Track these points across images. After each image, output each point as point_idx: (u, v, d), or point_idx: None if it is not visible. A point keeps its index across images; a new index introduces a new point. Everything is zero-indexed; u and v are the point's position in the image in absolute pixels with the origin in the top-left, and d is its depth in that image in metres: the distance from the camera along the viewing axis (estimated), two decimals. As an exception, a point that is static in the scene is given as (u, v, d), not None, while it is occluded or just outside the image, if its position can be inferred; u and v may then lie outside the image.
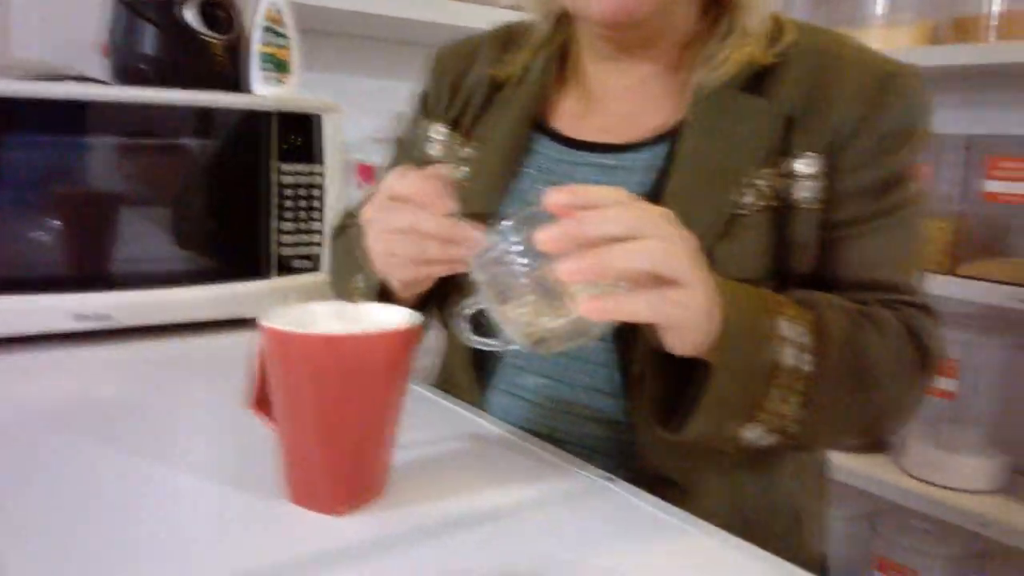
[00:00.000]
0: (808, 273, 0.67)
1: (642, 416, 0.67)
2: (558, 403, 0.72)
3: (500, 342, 0.58)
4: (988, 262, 1.39)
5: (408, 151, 0.86)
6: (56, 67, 1.02)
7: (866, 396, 0.63)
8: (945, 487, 1.41)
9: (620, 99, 0.75)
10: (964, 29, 1.42)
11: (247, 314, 0.99)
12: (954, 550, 1.45)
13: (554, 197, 0.50)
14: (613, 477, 0.64)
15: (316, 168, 1.04)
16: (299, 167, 1.02)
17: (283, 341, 0.55)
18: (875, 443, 1.56)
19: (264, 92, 1.05)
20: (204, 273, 1.00)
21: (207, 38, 1.03)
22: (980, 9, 1.40)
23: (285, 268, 1.03)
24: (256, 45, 1.05)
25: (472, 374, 0.77)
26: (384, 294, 0.68)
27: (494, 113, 0.79)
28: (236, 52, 1.06)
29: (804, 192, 0.66)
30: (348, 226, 0.86)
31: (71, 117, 0.92)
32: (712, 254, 0.63)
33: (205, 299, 1.00)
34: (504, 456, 0.68)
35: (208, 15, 1.03)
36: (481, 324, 0.59)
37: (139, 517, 0.56)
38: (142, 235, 0.98)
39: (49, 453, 0.64)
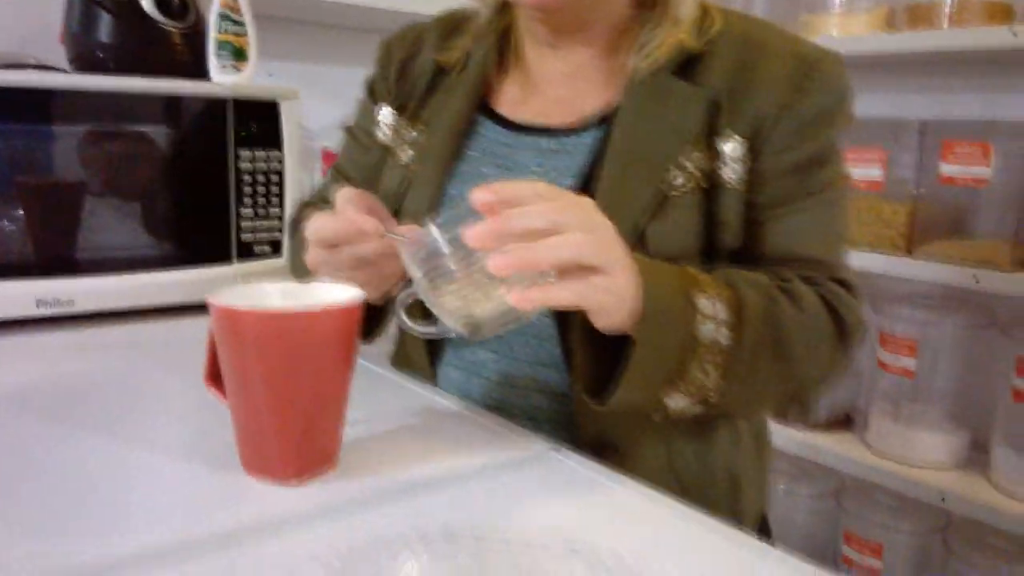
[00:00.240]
0: (736, 249, 0.70)
1: (578, 387, 0.69)
2: (506, 376, 0.75)
3: (437, 329, 0.60)
4: (945, 243, 1.42)
5: (358, 137, 0.87)
6: (15, 55, 1.02)
7: (783, 367, 0.66)
8: (907, 463, 1.44)
9: (558, 84, 0.78)
10: (919, 16, 1.45)
11: (209, 299, 1.00)
12: (917, 524, 1.49)
13: (479, 196, 0.53)
14: (557, 445, 0.66)
15: (275, 154, 1.05)
16: (258, 153, 1.03)
17: (229, 318, 0.57)
18: (841, 421, 1.59)
19: (221, 80, 1.06)
20: (166, 258, 1.01)
21: (164, 26, 1.04)
22: (935, -5, 1.43)
23: (247, 253, 1.05)
24: (213, 33, 1.05)
25: (424, 351, 0.79)
26: None
27: (439, 97, 0.82)
28: (194, 40, 1.07)
29: (731, 174, 0.69)
30: (301, 220, 0.87)
31: (30, 105, 0.92)
32: (644, 233, 0.66)
33: (167, 284, 1.01)
34: (454, 428, 0.70)
35: (164, 3, 1.04)
36: (420, 312, 0.61)
37: (99, 489, 0.57)
38: (104, 221, 0.99)
39: (9, 434, 0.66)
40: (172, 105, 1.00)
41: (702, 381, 0.62)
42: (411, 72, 0.84)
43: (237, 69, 1.06)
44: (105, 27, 1.04)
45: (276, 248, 1.08)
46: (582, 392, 0.65)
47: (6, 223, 0.93)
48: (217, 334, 0.58)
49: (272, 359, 0.56)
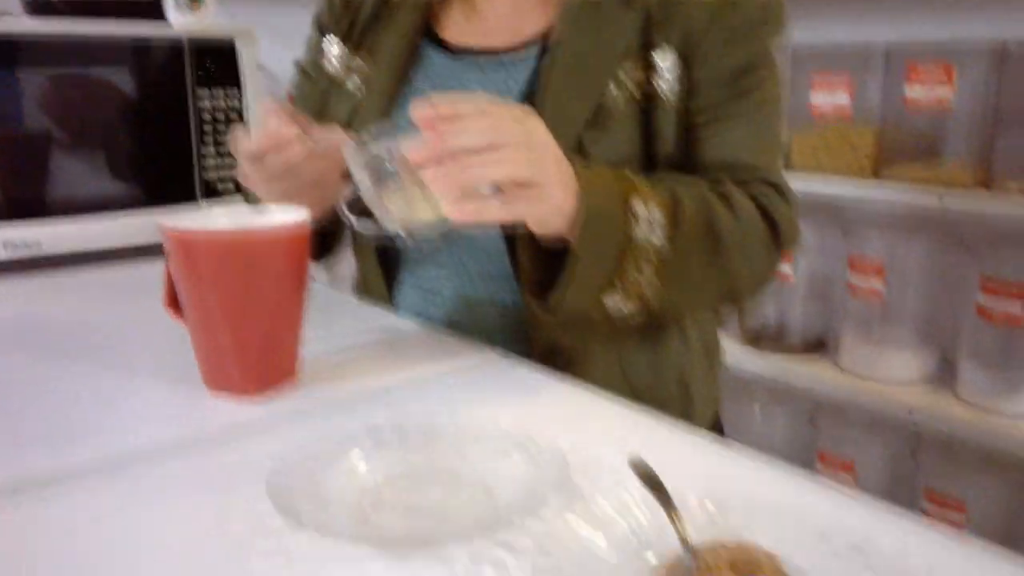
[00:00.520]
0: (673, 157, 0.72)
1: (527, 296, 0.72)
2: (460, 295, 0.77)
3: (377, 226, 0.62)
4: (911, 166, 1.43)
5: (308, 72, 0.88)
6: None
7: (718, 267, 0.68)
8: (878, 381, 1.47)
9: (500, 7, 0.79)
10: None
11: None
12: (889, 441, 1.53)
13: (418, 110, 0.54)
14: (508, 354, 0.68)
15: (234, 92, 1.05)
16: (216, 91, 1.04)
17: (181, 240, 0.59)
18: (814, 345, 1.63)
19: (178, 21, 1.06)
20: (132, 200, 1.03)
21: (117, -33, 1.03)
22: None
23: (212, 192, 1.06)
24: (167, -27, 1.05)
25: (380, 272, 0.81)
26: None
27: (384, 25, 0.83)
28: (148, -19, 1.07)
29: (666, 86, 0.71)
30: None
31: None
32: (583, 142, 0.68)
33: (134, 226, 1.02)
34: (409, 344, 0.73)
35: (115, -56, 1.03)
36: (360, 211, 0.63)
37: (69, 410, 0.60)
38: (68, 165, 1.00)
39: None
40: (130, 47, 1.00)
41: (638, 280, 0.64)
42: (355, 0, 0.85)
43: (192, 10, 1.06)
44: (56, -31, 1.03)
45: (240, 187, 1.09)
46: (531, 301, 0.67)
47: (-29, 171, 0.95)
48: (171, 258, 0.61)
49: (223, 278, 0.59)
